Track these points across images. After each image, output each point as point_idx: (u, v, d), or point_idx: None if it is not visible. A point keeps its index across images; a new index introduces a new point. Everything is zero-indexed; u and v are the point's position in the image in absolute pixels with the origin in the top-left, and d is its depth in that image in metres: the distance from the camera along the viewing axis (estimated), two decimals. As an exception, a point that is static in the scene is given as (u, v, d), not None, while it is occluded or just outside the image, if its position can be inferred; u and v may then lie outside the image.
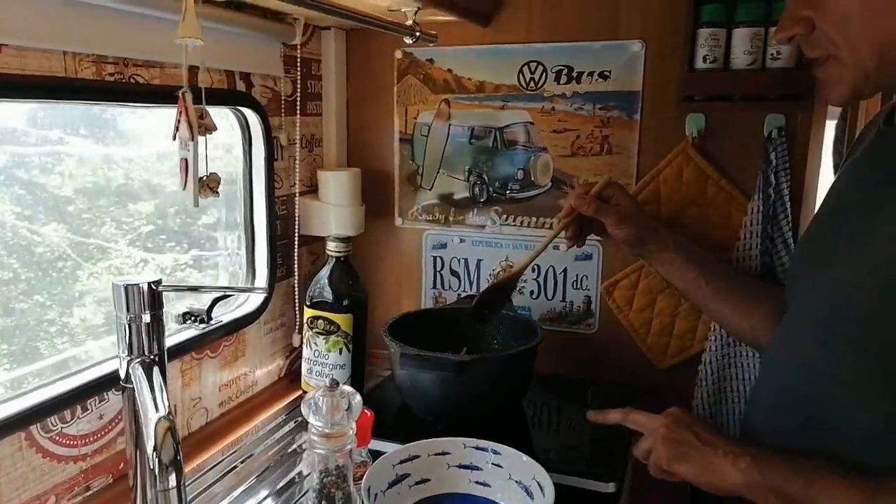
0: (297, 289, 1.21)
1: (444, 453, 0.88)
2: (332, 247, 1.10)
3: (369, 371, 1.18)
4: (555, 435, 1.03)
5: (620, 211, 0.94)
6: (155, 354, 0.74)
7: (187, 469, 0.95)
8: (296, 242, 1.20)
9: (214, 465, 0.98)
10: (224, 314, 1.09)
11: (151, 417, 0.59)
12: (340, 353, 1.09)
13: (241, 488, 0.92)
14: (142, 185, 1.08)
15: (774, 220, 1.09)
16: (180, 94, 0.70)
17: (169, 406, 0.62)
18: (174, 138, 0.74)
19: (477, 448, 0.88)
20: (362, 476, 0.80)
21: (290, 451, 1.03)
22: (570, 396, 1.17)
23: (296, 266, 1.20)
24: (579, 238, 0.99)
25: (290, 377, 1.26)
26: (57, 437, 0.78)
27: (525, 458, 0.84)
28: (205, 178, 0.72)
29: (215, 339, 1.05)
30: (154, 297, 0.73)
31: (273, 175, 1.15)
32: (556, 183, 1.21)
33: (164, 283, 0.74)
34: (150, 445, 0.56)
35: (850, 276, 0.70)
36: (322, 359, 1.10)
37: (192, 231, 1.15)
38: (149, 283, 0.73)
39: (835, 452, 0.67)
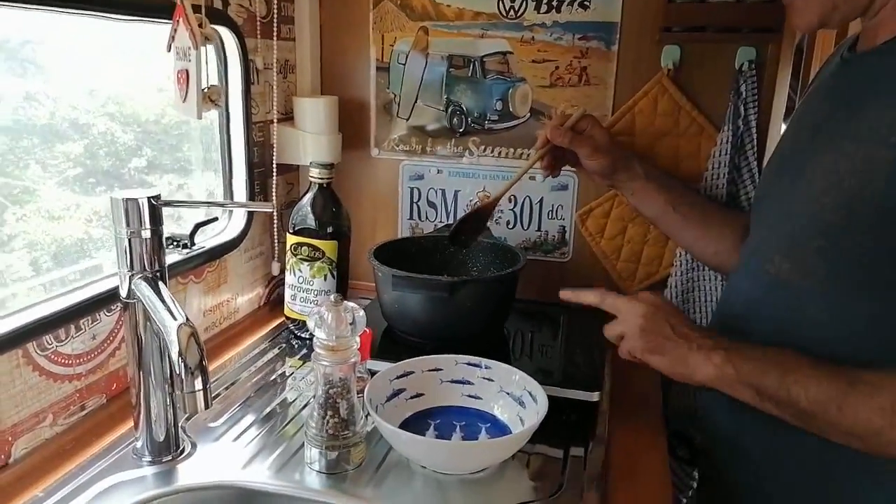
0: (274, 218, 1.20)
1: (436, 369, 0.92)
2: (314, 173, 1.09)
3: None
4: (537, 354, 1.08)
5: (594, 142, 0.98)
6: (156, 270, 0.73)
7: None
8: (273, 170, 1.18)
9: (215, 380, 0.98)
10: (206, 240, 1.08)
11: (171, 325, 0.59)
12: (325, 279, 1.10)
13: (226, 415, 0.91)
14: (70, 125, 1.00)
15: (741, 150, 1.14)
16: (178, 2, 0.67)
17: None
18: (168, 49, 0.72)
19: (469, 364, 0.92)
20: (361, 391, 0.83)
21: (272, 378, 1.04)
22: (546, 321, 1.22)
23: (273, 194, 1.19)
24: (555, 168, 1.03)
25: (271, 305, 1.26)
26: (52, 356, 0.77)
27: (515, 371, 0.89)
28: (206, 89, 0.70)
29: (199, 264, 1.04)
30: (153, 212, 0.72)
31: (250, 100, 1.12)
32: (535, 114, 1.23)
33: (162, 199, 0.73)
34: (174, 351, 0.57)
35: (814, 191, 0.75)
36: (307, 285, 1.11)
37: (124, 174, 1.09)
38: (148, 198, 0.72)
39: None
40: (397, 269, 0.98)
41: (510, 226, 1.30)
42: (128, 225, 0.71)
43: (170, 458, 0.78)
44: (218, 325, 1.11)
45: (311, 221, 1.09)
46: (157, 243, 0.74)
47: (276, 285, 1.27)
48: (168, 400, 0.78)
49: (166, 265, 0.76)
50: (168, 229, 1.00)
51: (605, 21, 1.16)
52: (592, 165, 0.98)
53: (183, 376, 0.56)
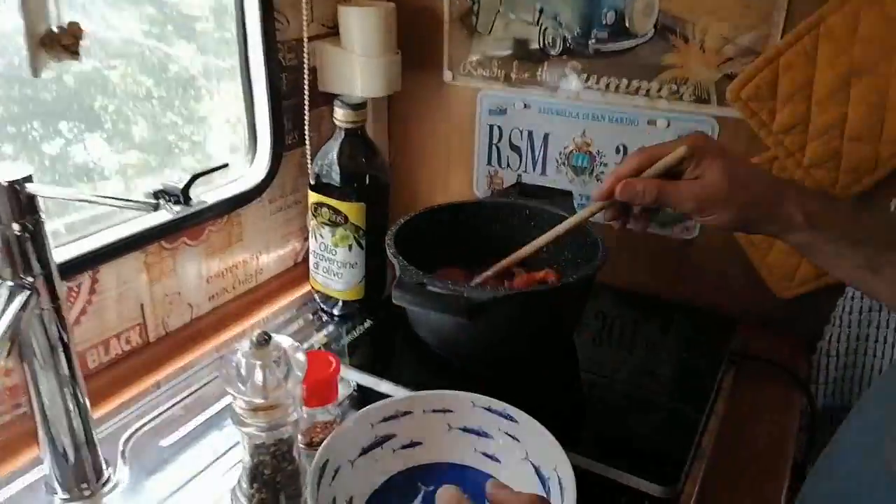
0: (310, 160, 0.97)
1: (445, 411, 0.67)
2: (338, 115, 0.84)
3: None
4: (615, 387, 0.77)
5: (703, 190, 0.58)
6: (30, 278, 0.54)
7: (166, 372, 0.81)
8: (306, 101, 0.94)
9: (206, 366, 0.83)
10: (209, 191, 0.88)
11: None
12: (350, 249, 0.87)
13: (195, 422, 0.74)
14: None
15: None
16: None
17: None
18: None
19: (490, 410, 0.66)
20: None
21: (305, 345, 0.87)
22: (649, 325, 0.90)
23: (307, 131, 0.95)
24: (629, 219, 0.64)
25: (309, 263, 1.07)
26: None
27: (547, 436, 0.61)
28: (56, 32, 0.46)
29: (195, 224, 0.85)
30: (21, 201, 0.52)
31: (271, 11, 0.87)
32: (662, 32, 0.85)
33: (35, 184, 0.53)
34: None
35: None
36: (329, 254, 0.89)
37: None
38: (9, 183, 0.51)
39: None
40: (412, 265, 0.72)
41: (616, 186, 0.96)
42: (-15, 217, 0.52)
43: (88, 491, 0.63)
44: (229, 291, 0.94)
45: (334, 176, 0.85)
46: (33, 239, 0.54)
47: (318, 238, 1.07)
48: (74, 407, 0.61)
49: (55, 264, 0.56)
50: (164, 178, 0.83)
51: None
52: (706, 222, 0.61)
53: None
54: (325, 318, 0.94)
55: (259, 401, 0.52)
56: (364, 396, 0.75)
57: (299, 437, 0.62)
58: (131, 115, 0.83)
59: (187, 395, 0.78)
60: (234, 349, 0.53)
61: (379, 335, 0.84)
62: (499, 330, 0.70)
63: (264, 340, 0.52)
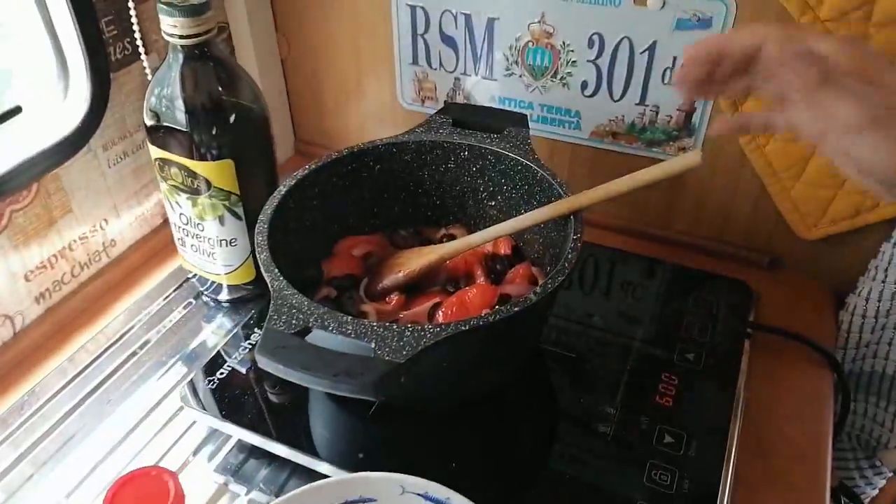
0: (149, 75, 0.68)
1: (364, 501, 0.46)
2: (167, 25, 0.53)
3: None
4: (604, 397, 0.57)
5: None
6: None
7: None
8: (129, -4, 0.62)
9: (57, 393, 0.60)
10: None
11: None
12: (223, 222, 0.61)
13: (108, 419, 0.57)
14: None
15: None
16: None
17: None
18: None
19: (426, 498, 0.46)
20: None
21: (192, 347, 0.65)
22: (634, 292, 0.69)
23: (137, 35, 0.64)
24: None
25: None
26: None
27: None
28: None
29: (-18, 206, 0.58)
30: None
31: None
32: None
33: None
34: None
35: None
36: (194, 229, 0.63)
37: None
38: None
39: None
40: (310, 238, 0.47)
41: (587, 90, 0.69)
42: None
43: None
44: (66, 282, 0.68)
45: (179, 118, 0.57)
46: None
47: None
48: None
49: None
50: None
51: None
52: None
53: None
54: (211, 303, 0.70)
55: None
56: (251, 458, 0.54)
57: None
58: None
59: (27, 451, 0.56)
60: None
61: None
62: (433, 377, 0.47)
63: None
